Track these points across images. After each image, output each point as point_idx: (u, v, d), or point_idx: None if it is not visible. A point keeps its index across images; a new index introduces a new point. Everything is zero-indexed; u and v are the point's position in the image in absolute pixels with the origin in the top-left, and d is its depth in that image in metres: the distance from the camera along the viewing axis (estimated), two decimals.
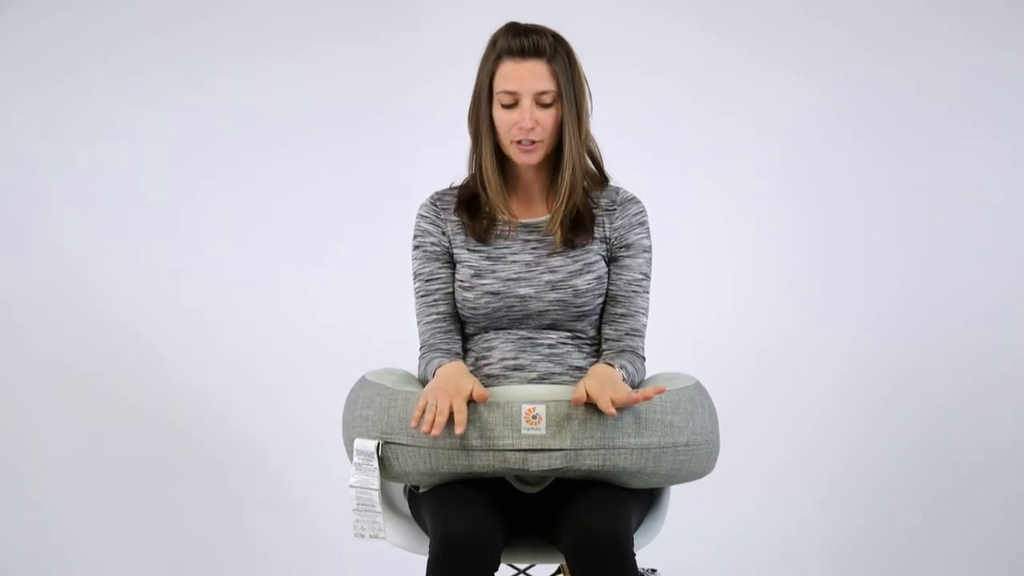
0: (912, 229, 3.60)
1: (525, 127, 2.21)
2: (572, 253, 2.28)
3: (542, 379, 2.24)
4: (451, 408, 2.01)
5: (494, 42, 2.25)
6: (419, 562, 2.13)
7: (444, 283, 2.32)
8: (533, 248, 2.29)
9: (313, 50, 3.60)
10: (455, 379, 2.08)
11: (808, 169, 3.62)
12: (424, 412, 2.02)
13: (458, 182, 2.37)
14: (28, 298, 3.55)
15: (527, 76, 2.21)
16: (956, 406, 3.57)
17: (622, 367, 2.18)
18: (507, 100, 2.22)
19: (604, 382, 2.06)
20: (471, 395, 2.03)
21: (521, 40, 2.21)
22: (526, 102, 2.21)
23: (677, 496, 2.41)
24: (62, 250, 3.56)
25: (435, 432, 2.00)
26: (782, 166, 3.62)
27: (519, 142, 2.23)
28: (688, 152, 3.62)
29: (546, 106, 2.23)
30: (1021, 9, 3.56)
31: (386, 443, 2.09)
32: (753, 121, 3.61)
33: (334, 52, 3.60)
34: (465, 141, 2.34)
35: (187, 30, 3.58)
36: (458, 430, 2.01)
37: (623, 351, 2.28)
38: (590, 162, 2.34)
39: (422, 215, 2.35)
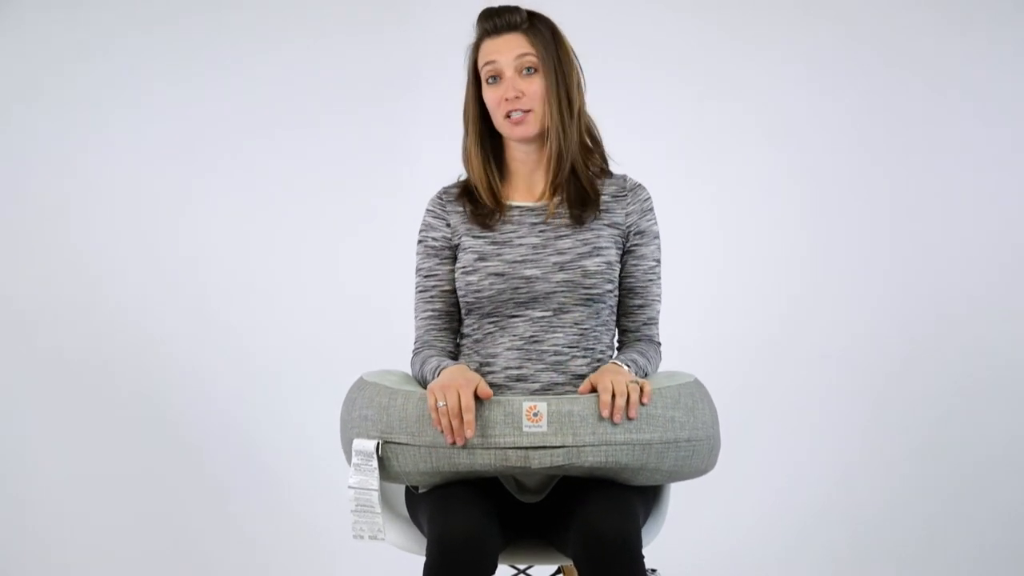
0: (910, 224, 3.61)
1: (510, 96, 2.23)
2: (581, 236, 2.27)
3: (545, 390, 2.22)
4: (460, 406, 2.01)
5: (475, 36, 2.31)
6: (418, 563, 2.12)
7: (441, 280, 2.32)
8: (540, 232, 2.28)
9: (312, 45, 3.60)
10: (460, 374, 2.08)
11: (806, 166, 3.63)
12: (440, 416, 2.02)
13: (463, 176, 2.38)
14: (28, 296, 3.55)
15: (503, 47, 2.25)
16: (957, 401, 3.58)
17: (632, 362, 2.19)
18: (490, 72, 2.26)
19: (606, 372, 2.08)
20: (476, 389, 2.03)
21: (494, 20, 2.27)
22: (508, 72, 2.25)
23: (677, 496, 2.41)
24: (61, 248, 3.56)
25: (459, 441, 2.01)
26: (780, 162, 3.63)
27: (508, 116, 2.25)
28: (687, 148, 3.63)
29: (531, 74, 2.25)
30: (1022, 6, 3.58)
31: (386, 443, 2.08)
32: (751, 116, 3.61)
33: (333, 47, 3.60)
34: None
35: (185, 26, 3.58)
36: (468, 433, 2.01)
37: (639, 340, 2.31)
38: (588, 138, 2.33)
39: (428, 209, 2.36)
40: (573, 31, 2.31)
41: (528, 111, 2.25)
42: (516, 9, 2.28)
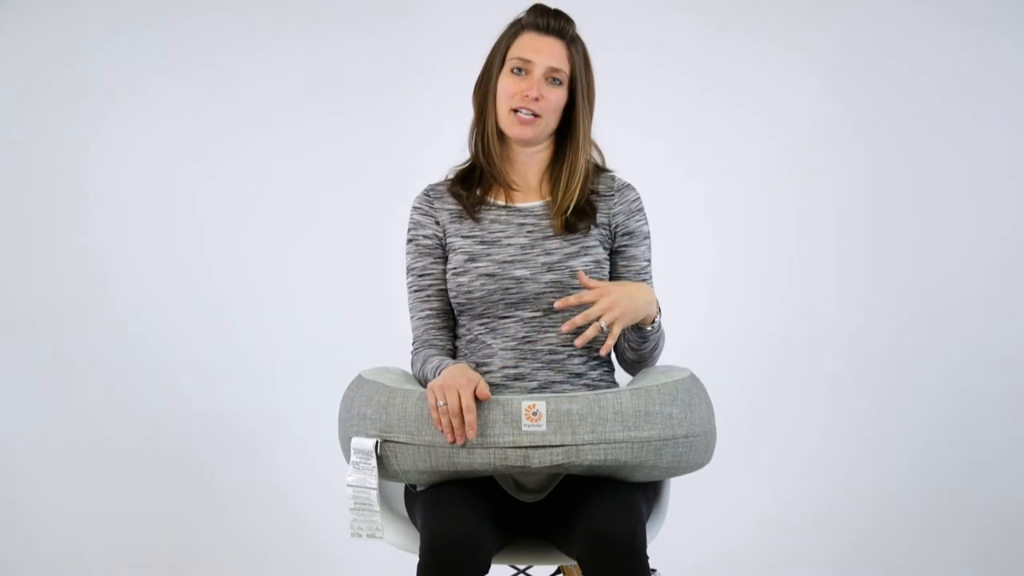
0: (913, 223, 3.60)
1: (531, 95, 2.23)
2: (569, 236, 2.27)
3: (543, 388, 2.23)
4: (460, 406, 2.00)
5: (517, 20, 2.28)
6: (415, 563, 2.11)
7: (436, 279, 2.31)
8: (528, 232, 2.28)
9: (313, 44, 3.59)
10: (461, 374, 2.07)
11: (807, 165, 3.62)
12: (440, 415, 2.02)
13: (449, 174, 2.38)
14: (27, 295, 3.55)
15: (545, 49, 2.24)
16: (960, 402, 3.58)
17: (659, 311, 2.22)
18: (518, 65, 2.24)
19: (620, 287, 2.13)
20: (475, 390, 2.02)
21: (548, 19, 2.26)
22: (537, 72, 2.24)
23: (678, 497, 2.41)
24: (62, 247, 3.56)
25: (460, 441, 2.01)
26: (781, 161, 3.62)
27: (518, 111, 2.24)
28: (688, 146, 3.63)
29: (556, 85, 2.25)
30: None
31: (384, 441, 2.08)
32: (753, 114, 3.61)
33: (333, 45, 3.60)
34: (464, 133, 2.34)
35: (189, 23, 3.58)
36: (470, 434, 2.01)
37: None
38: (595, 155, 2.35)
39: (415, 207, 2.36)
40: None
41: (538, 116, 2.24)
42: (570, 20, 2.28)
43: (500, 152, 2.31)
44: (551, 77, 2.24)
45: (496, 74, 2.27)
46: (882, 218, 3.60)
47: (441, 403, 2.02)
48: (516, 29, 2.27)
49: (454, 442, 2.02)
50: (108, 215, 3.57)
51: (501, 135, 2.30)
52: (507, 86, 2.25)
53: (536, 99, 2.23)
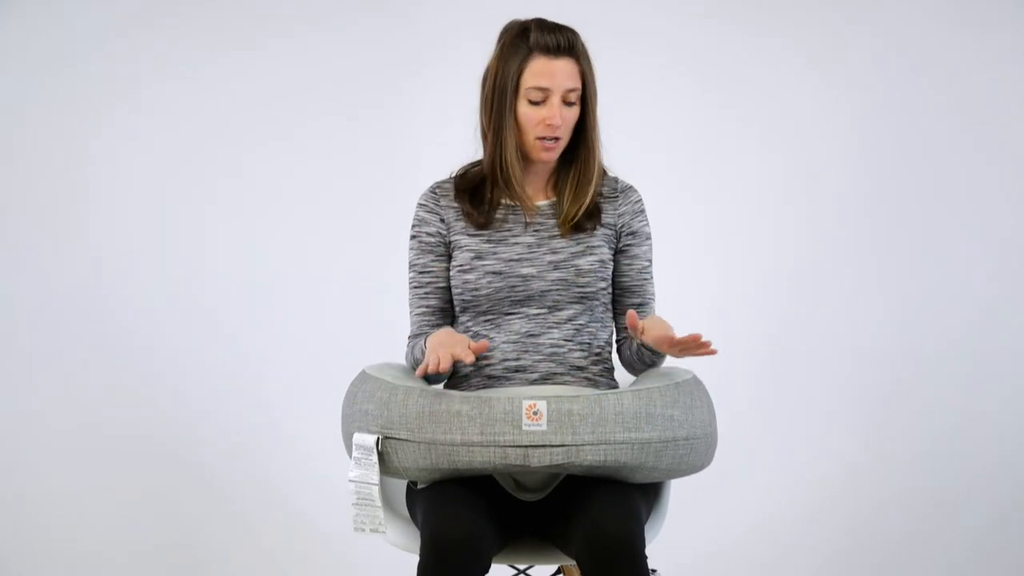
0: (910, 224, 3.60)
1: (555, 124, 2.23)
2: (574, 235, 2.29)
3: (544, 380, 2.24)
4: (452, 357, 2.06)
5: (522, 34, 2.24)
6: (416, 562, 2.11)
7: (436, 277, 2.33)
8: (535, 231, 2.30)
9: (312, 42, 3.59)
10: (448, 334, 2.14)
11: (809, 167, 3.61)
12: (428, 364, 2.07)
13: (456, 172, 2.38)
14: (28, 296, 3.54)
15: (559, 74, 2.23)
16: (961, 406, 3.57)
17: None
18: (537, 96, 2.23)
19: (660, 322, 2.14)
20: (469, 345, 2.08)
21: (556, 37, 2.23)
22: (555, 99, 2.23)
23: (678, 497, 2.42)
24: (61, 247, 3.56)
25: (436, 368, 2.05)
26: (783, 162, 3.62)
27: (543, 139, 2.25)
28: (690, 146, 3.62)
29: (570, 104, 2.25)
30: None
31: (386, 438, 2.08)
32: (755, 114, 3.60)
33: (333, 44, 3.59)
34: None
35: (183, 23, 3.57)
36: (468, 359, 2.05)
37: None
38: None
39: (421, 204, 2.36)
40: (566, 20, 2.29)
41: (559, 139, 2.26)
42: (575, 32, 2.25)
43: (521, 172, 2.30)
44: (565, 99, 2.24)
45: (511, 101, 2.25)
46: (883, 219, 3.60)
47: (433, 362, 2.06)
48: (527, 50, 2.23)
49: (427, 370, 2.06)
50: (108, 215, 3.57)
51: (521, 156, 2.29)
52: (528, 115, 2.24)
53: (559, 126, 2.24)
